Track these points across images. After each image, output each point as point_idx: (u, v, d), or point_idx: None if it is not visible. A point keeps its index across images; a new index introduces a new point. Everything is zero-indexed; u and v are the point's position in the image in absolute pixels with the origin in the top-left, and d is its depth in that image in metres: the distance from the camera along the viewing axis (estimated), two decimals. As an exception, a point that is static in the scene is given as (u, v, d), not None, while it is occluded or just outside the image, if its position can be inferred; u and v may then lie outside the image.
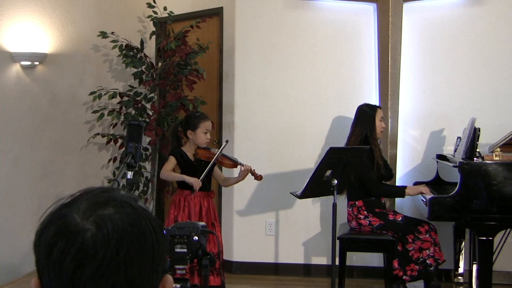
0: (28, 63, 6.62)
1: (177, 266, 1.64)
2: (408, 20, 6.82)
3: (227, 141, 5.82)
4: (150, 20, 7.56)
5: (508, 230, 5.79)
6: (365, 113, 6.13)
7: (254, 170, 5.58)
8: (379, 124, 6.10)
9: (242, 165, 5.57)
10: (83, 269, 1.21)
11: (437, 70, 6.81)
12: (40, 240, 1.27)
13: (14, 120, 6.53)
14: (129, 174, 3.17)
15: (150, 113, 7.26)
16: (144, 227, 1.27)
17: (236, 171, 5.78)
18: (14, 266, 6.30)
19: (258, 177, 5.62)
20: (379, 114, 6.14)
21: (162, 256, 1.31)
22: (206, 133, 5.58)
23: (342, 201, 6.06)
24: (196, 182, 5.40)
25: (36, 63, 6.71)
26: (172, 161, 5.58)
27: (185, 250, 1.61)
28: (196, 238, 1.61)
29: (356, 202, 6.03)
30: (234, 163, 5.66)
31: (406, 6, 6.79)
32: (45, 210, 1.33)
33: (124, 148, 3.68)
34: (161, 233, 1.32)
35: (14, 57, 6.50)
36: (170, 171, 5.57)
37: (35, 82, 6.75)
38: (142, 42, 7.45)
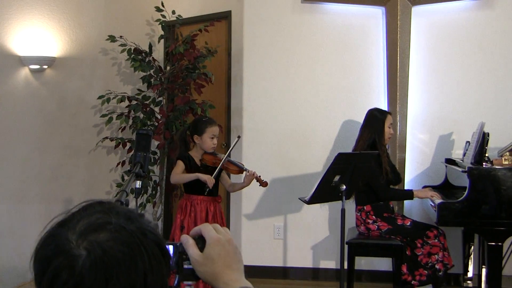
0: (37, 66, 6.63)
1: (185, 282, 1.64)
2: (417, 24, 6.80)
3: (239, 137, 5.81)
4: (159, 24, 7.56)
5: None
6: (375, 118, 6.12)
7: (259, 176, 5.56)
8: (387, 130, 6.09)
9: (248, 171, 5.57)
10: None
11: (446, 74, 6.78)
12: (36, 259, 1.29)
13: (23, 124, 6.55)
14: (138, 184, 3.18)
15: (159, 117, 7.27)
16: (137, 254, 1.27)
17: (242, 177, 5.76)
18: (22, 270, 6.32)
19: (263, 184, 5.59)
20: (388, 120, 6.12)
21: (158, 283, 1.31)
22: (212, 138, 5.57)
23: (350, 205, 6.06)
24: (209, 180, 5.41)
25: (45, 66, 6.72)
26: (180, 165, 5.57)
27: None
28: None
29: (364, 207, 6.02)
30: (240, 169, 5.64)
31: (415, 9, 6.77)
32: (47, 222, 1.34)
33: (132, 155, 3.69)
34: (156, 258, 1.31)
35: (23, 61, 6.51)
36: (180, 174, 5.56)
37: (44, 85, 6.76)
38: (150, 46, 7.46)
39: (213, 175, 5.46)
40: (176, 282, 1.57)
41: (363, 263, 6.89)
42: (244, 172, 5.59)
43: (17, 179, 6.52)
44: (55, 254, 1.25)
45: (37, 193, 6.72)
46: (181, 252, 1.56)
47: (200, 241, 1.56)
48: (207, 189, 5.47)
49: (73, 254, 1.23)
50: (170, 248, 1.51)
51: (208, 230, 1.54)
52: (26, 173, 6.61)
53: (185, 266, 1.57)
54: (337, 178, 5.20)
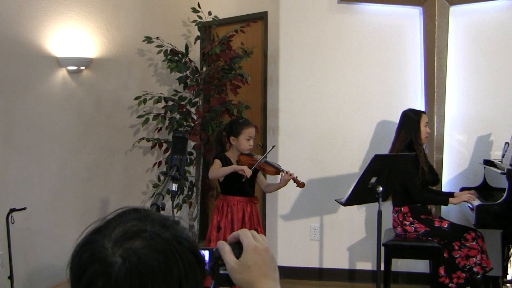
0: (74, 67, 6.67)
1: (221, 288, 1.63)
2: (455, 24, 6.73)
3: (273, 146, 5.83)
4: (195, 25, 7.59)
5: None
6: (410, 119, 6.07)
7: (296, 177, 5.54)
8: (423, 129, 6.03)
9: (285, 172, 5.54)
10: None
11: (484, 74, 6.70)
12: (72, 266, 1.30)
13: (60, 124, 6.59)
14: (174, 187, 3.18)
15: (195, 117, 7.27)
16: (172, 262, 1.27)
17: (279, 178, 5.74)
18: (59, 269, 6.36)
19: (300, 184, 5.57)
20: (423, 119, 6.07)
21: None
22: (249, 139, 5.57)
23: (387, 206, 6.02)
24: (246, 169, 5.41)
25: (82, 67, 6.76)
26: (218, 163, 5.58)
27: None
28: (239, 259, 1.60)
29: (402, 208, 5.97)
30: (277, 170, 5.62)
31: (452, 9, 6.70)
32: (83, 222, 1.34)
33: (168, 157, 3.71)
34: (191, 266, 1.31)
35: (60, 62, 6.56)
36: (217, 169, 5.56)
37: (81, 86, 6.80)
38: (186, 47, 7.47)
39: (252, 168, 5.45)
40: (212, 286, 1.56)
41: (400, 264, 6.84)
42: (281, 173, 5.57)
43: (54, 178, 6.57)
44: (91, 261, 1.25)
45: (73, 192, 6.77)
46: (216, 257, 1.55)
47: (237, 247, 1.55)
48: (245, 179, 5.46)
49: (109, 261, 1.24)
50: (206, 253, 1.50)
51: (246, 236, 1.54)
52: (63, 173, 6.66)
53: (221, 272, 1.56)
54: (373, 179, 5.17)
